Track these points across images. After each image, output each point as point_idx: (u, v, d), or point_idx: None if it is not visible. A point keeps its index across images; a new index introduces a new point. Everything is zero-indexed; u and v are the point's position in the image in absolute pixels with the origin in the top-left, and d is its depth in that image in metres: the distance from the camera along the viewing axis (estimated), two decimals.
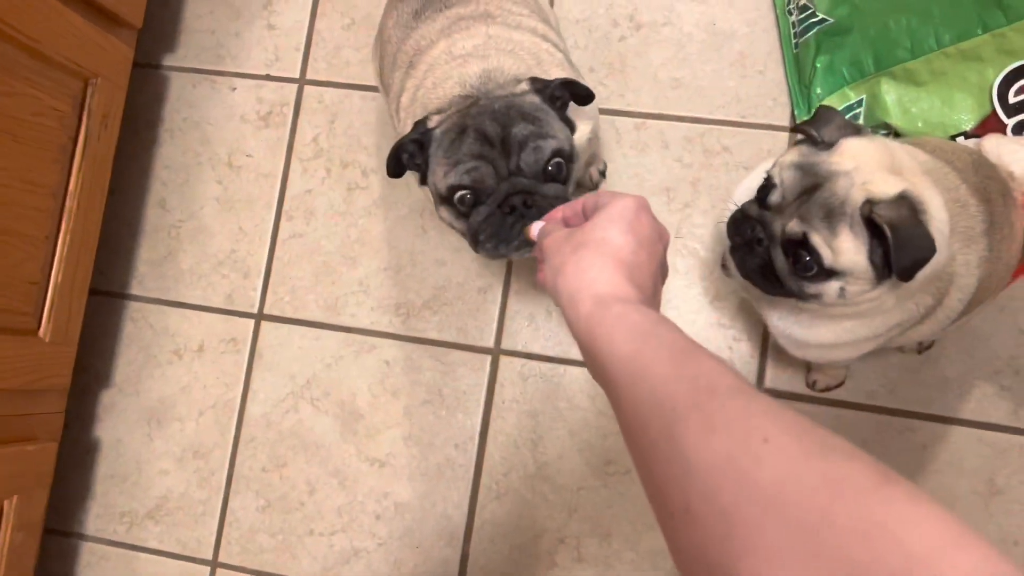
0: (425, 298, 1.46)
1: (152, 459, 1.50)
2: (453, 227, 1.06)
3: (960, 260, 0.96)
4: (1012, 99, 1.24)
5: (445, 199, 1.00)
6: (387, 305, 1.47)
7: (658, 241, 0.72)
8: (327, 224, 1.50)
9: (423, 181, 1.03)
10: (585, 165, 1.35)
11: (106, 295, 1.54)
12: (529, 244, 0.97)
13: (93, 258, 1.37)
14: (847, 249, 0.86)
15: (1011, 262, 1.05)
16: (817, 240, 0.87)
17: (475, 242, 1.02)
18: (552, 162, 0.97)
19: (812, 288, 0.92)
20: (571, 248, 0.69)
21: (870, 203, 0.85)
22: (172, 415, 1.50)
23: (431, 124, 0.99)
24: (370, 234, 1.48)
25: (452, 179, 0.96)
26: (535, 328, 1.42)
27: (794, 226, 0.89)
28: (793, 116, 1.39)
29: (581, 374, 1.40)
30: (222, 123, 1.56)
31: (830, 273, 0.89)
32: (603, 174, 1.40)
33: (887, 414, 1.32)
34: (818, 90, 1.36)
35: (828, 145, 0.90)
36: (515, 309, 1.43)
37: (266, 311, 1.50)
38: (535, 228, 0.81)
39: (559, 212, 0.81)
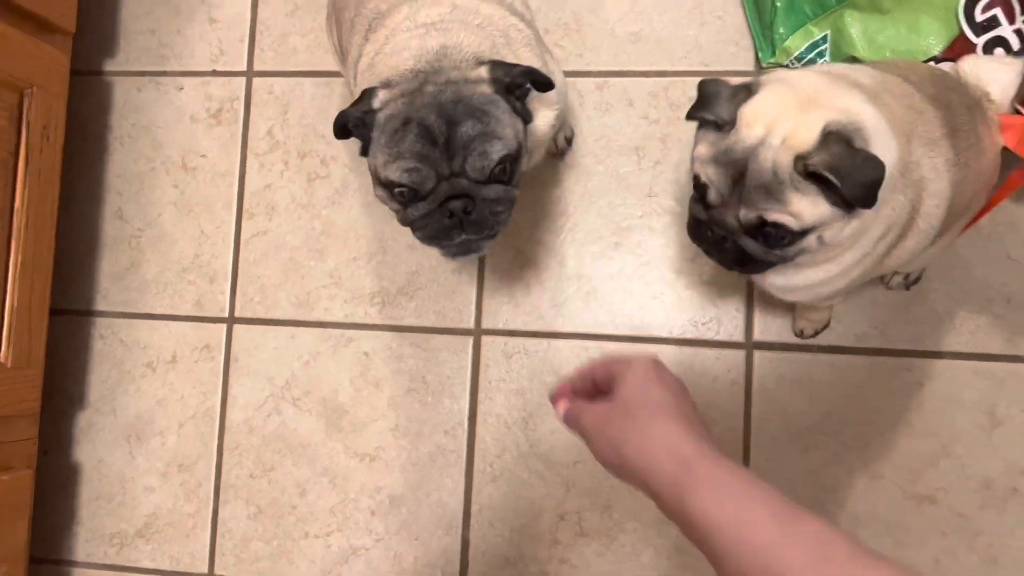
0: (399, 284, 1.41)
1: (136, 477, 1.46)
2: (385, 204, 1.01)
3: (927, 164, 0.93)
4: (979, 17, 1.20)
5: (383, 184, 0.96)
6: (361, 295, 1.42)
7: (686, 389, 0.73)
8: (290, 218, 1.45)
9: (364, 152, 0.98)
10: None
11: (71, 314, 1.49)
12: (468, 251, 0.98)
13: (50, 277, 1.32)
14: (805, 209, 0.84)
15: (983, 174, 1.02)
16: (774, 216, 0.85)
17: (407, 224, 0.98)
18: (500, 165, 0.93)
19: (793, 250, 0.89)
20: (621, 417, 0.69)
21: (800, 159, 0.82)
22: (152, 430, 1.46)
23: (376, 104, 0.94)
24: (336, 224, 1.44)
25: (391, 174, 0.92)
26: (515, 304, 1.38)
27: (746, 214, 0.87)
28: (757, 59, 1.35)
29: (565, 345, 1.36)
30: (172, 125, 1.50)
31: (803, 232, 0.86)
32: (569, 141, 1.36)
33: (880, 355, 1.28)
34: (780, 30, 1.32)
35: (730, 122, 0.86)
36: (493, 287, 1.39)
37: (237, 314, 1.45)
38: (560, 411, 0.77)
39: (567, 387, 0.78)
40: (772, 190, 0.84)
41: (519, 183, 1.00)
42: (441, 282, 1.40)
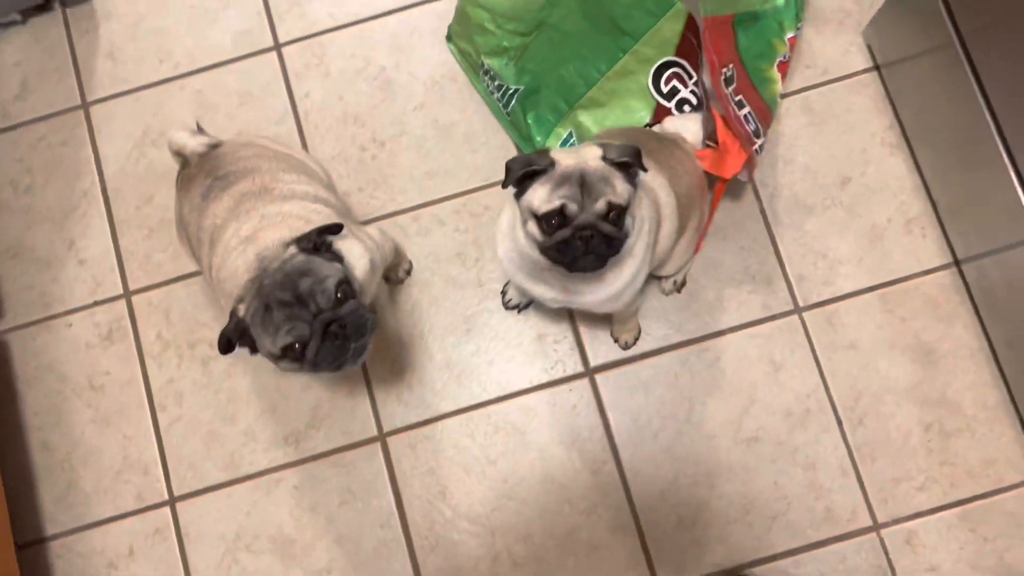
0: (305, 421, 1.68)
1: None
2: (292, 372, 1.30)
3: (657, 183, 1.35)
4: (664, 88, 1.65)
5: (280, 357, 1.25)
6: (276, 441, 1.68)
7: None
8: (198, 400, 1.70)
9: (254, 352, 1.27)
10: (393, 268, 1.64)
11: (25, 547, 1.65)
12: (357, 355, 1.25)
13: (7, 518, 1.49)
14: (620, 188, 1.19)
15: (692, 179, 1.45)
16: (611, 198, 1.17)
17: (314, 369, 1.26)
18: (339, 290, 1.25)
19: (626, 226, 1.22)
20: None
21: (604, 157, 1.20)
22: None
23: (241, 313, 1.24)
24: (237, 391, 1.70)
25: (280, 343, 1.22)
26: (404, 404, 1.68)
27: (598, 204, 1.17)
28: None
29: (454, 422, 1.67)
30: (71, 357, 1.73)
31: (625, 208, 1.20)
32: (408, 272, 1.70)
33: (683, 347, 1.68)
34: (538, 138, 1.73)
35: (552, 163, 1.20)
36: (382, 396, 1.69)
37: (176, 494, 1.67)
38: None
39: None
40: (606, 180, 1.17)
41: (374, 307, 1.32)
42: (340, 407, 1.69)
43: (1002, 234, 1.48)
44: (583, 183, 1.17)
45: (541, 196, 1.18)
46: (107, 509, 1.67)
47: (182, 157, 1.48)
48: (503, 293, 1.70)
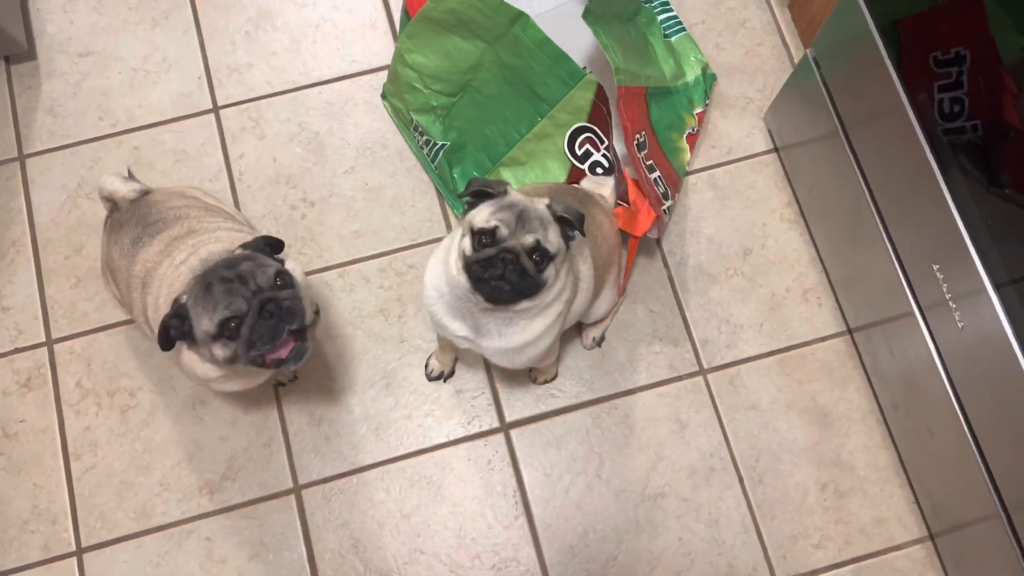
0: (221, 472, 1.69)
1: None
2: (225, 357, 1.30)
3: (581, 253, 1.44)
4: (579, 151, 1.76)
5: (216, 336, 1.28)
6: (191, 492, 1.68)
7: None
8: (113, 448, 1.70)
9: (192, 343, 1.30)
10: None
11: None
12: (299, 355, 1.30)
13: None
14: (553, 238, 1.27)
15: (607, 240, 1.54)
16: (543, 241, 1.25)
17: (248, 350, 1.29)
18: (278, 277, 1.31)
19: (545, 274, 1.28)
20: None
21: (549, 207, 1.29)
22: None
23: (184, 299, 1.28)
24: (154, 441, 1.71)
25: (217, 316, 1.26)
26: (321, 456, 1.71)
27: (529, 238, 1.24)
28: (448, 226, 1.85)
29: (370, 475, 1.69)
30: None
31: (551, 257, 1.27)
32: (317, 313, 1.75)
33: (594, 404, 1.75)
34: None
35: (503, 191, 1.30)
36: (299, 448, 1.71)
37: (84, 544, 1.65)
38: None
39: None
40: (543, 223, 1.25)
41: (317, 310, 1.38)
42: (256, 459, 1.70)
43: (883, 306, 1.60)
44: (521, 216, 1.26)
45: (483, 215, 1.27)
46: (11, 560, 1.64)
47: (112, 203, 1.53)
48: (426, 365, 1.75)
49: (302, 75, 1.95)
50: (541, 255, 1.26)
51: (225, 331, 1.26)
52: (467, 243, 1.28)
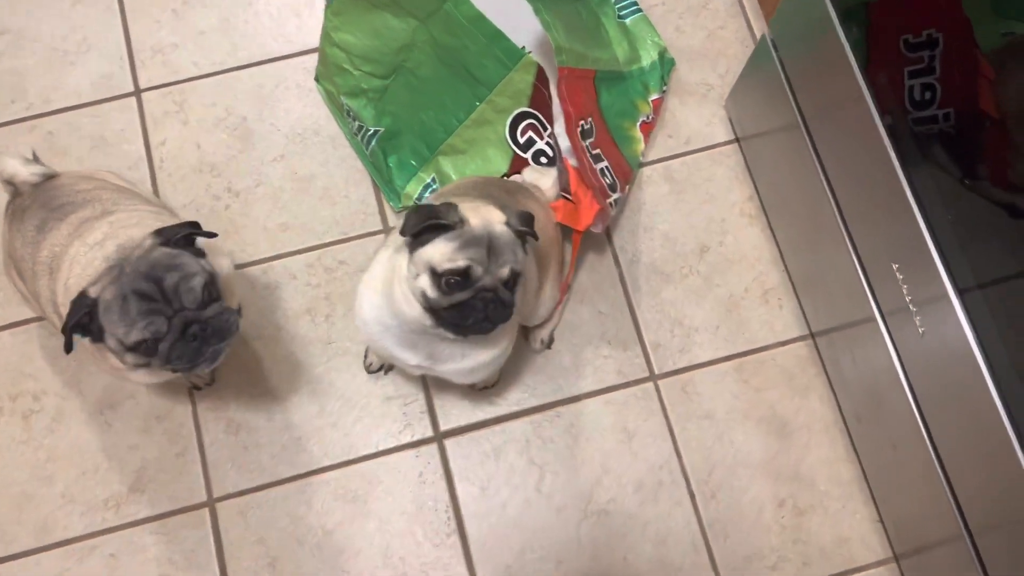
0: (129, 484, 1.56)
1: None
2: (137, 364, 1.20)
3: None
4: (520, 139, 1.64)
5: (130, 350, 1.16)
6: (96, 504, 1.55)
7: None
8: (13, 457, 1.57)
9: (97, 340, 1.18)
10: None
11: None
12: (213, 358, 1.19)
13: None
14: (520, 255, 1.17)
15: (545, 232, 1.41)
16: (516, 267, 1.16)
17: (164, 364, 1.19)
18: (206, 291, 1.19)
19: (518, 294, 1.19)
20: None
21: (507, 223, 1.17)
22: None
23: (92, 293, 1.15)
24: (58, 449, 1.57)
25: (134, 336, 1.14)
26: (238, 467, 1.58)
27: (504, 271, 1.15)
28: (384, 221, 1.72)
29: (291, 488, 1.57)
30: None
31: (519, 276, 1.18)
32: (239, 312, 1.62)
33: (536, 412, 1.62)
34: (399, 182, 1.69)
35: (461, 221, 1.15)
36: (214, 458, 1.58)
37: None
38: None
39: None
40: (511, 247, 1.15)
41: (240, 308, 1.27)
42: (167, 469, 1.57)
43: (844, 310, 1.48)
44: (491, 247, 1.14)
45: (444, 252, 1.13)
46: None
47: (12, 187, 1.40)
48: (365, 356, 1.62)
49: (231, 56, 1.82)
50: (515, 280, 1.17)
51: (140, 348, 1.16)
52: (426, 284, 1.15)
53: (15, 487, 1.56)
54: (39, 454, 1.58)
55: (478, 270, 1.14)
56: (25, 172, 1.39)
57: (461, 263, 1.13)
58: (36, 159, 1.47)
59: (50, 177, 1.40)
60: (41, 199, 1.35)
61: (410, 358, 1.31)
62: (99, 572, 1.51)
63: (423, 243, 1.15)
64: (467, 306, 1.15)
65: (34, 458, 1.57)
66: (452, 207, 1.16)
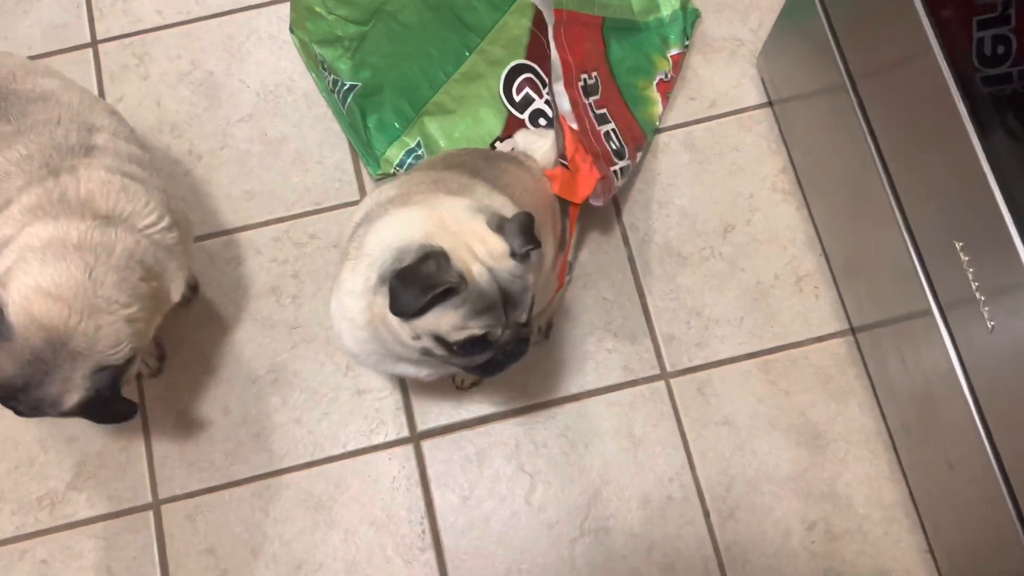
0: (66, 481, 1.39)
1: None
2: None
3: (497, 203, 1.12)
4: (516, 97, 1.44)
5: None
6: (28, 503, 1.38)
7: None
8: None
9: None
10: None
11: None
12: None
13: None
14: (531, 279, 1.00)
15: (537, 198, 1.23)
16: (528, 301, 1.01)
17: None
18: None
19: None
20: None
21: (513, 255, 0.97)
22: None
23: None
24: None
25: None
26: (188, 465, 1.39)
27: (523, 316, 1.01)
28: (361, 189, 1.52)
29: (246, 491, 1.38)
30: None
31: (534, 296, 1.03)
32: (195, 291, 1.44)
33: (528, 412, 1.41)
34: (378, 147, 1.49)
35: (461, 278, 0.94)
36: (162, 455, 1.40)
37: None
38: None
39: None
40: (523, 285, 0.98)
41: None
42: (109, 465, 1.39)
43: (893, 301, 1.25)
44: (506, 297, 0.96)
45: (453, 322, 0.95)
46: None
47: None
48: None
49: (199, 4, 1.63)
50: (532, 306, 1.03)
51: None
52: (431, 345, 0.98)
53: None
54: None
55: (497, 332, 0.98)
56: None
57: (477, 332, 0.96)
58: None
59: None
60: None
61: (406, 370, 1.13)
62: None
63: (423, 311, 0.94)
64: (490, 363, 1.03)
65: None
66: (442, 257, 0.93)
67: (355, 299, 1.04)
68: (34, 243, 1.04)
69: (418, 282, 0.92)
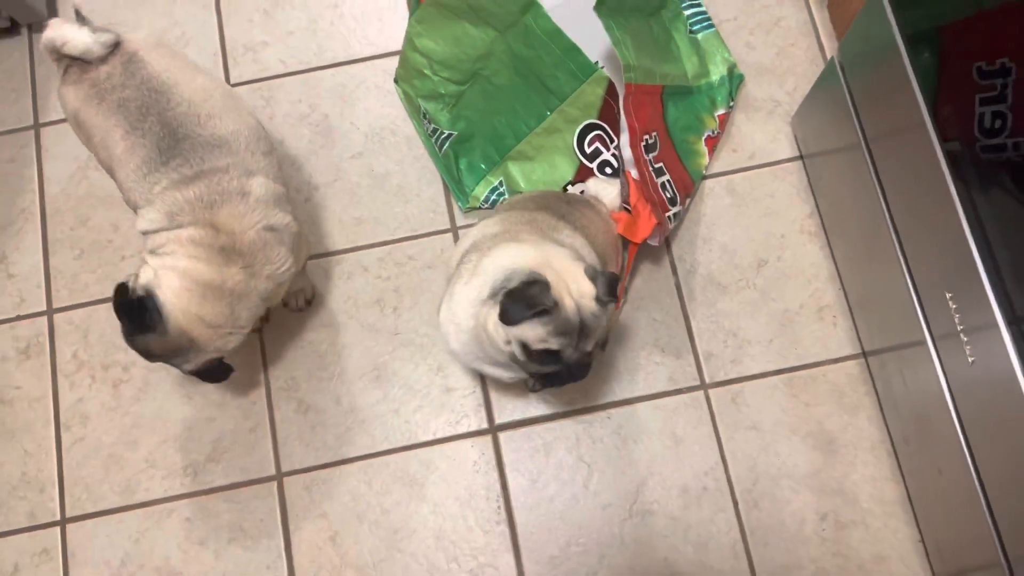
0: (206, 453, 1.68)
1: None
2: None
3: (578, 243, 1.40)
4: (588, 149, 1.70)
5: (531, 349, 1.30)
6: (175, 471, 1.68)
7: None
8: (103, 422, 1.71)
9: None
10: (293, 293, 1.68)
11: None
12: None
13: None
14: (605, 321, 1.27)
15: (606, 235, 1.51)
16: (600, 335, 1.28)
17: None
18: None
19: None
20: None
21: (598, 299, 1.23)
22: None
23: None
24: (143, 417, 1.71)
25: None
26: (305, 444, 1.68)
27: (592, 345, 1.26)
28: (452, 222, 1.80)
29: (353, 468, 1.67)
30: None
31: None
32: (309, 302, 1.72)
33: (587, 412, 1.68)
34: (468, 183, 1.78)
35: (555, 304, 1.20)
36: (284, 436, 1.69)
37: (68, 514, 1.66)
38: None
39: None
40: (599, 322, 1.24)
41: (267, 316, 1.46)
42: (241, 443, 1.69)
43: (897, 331, 1.50)
44: (583, 329, 1.23)
45: (538, 334, 1.22)
46: None
47: (68, 59, 1.37)
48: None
49: (316, 56, 1.92)
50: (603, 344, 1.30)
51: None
52: (516, 350, 1.25)
53: (104, 450, 1.69)
54: (126, 420, 1.71)
55: (568, 351, 1.24)
56: (81, 41, 1.34)
57: (553, 346, 1.22)
58: (83, 18, 1.38)
59: (116, 44, 1.38)
60: (143, 90, 1.36)
61: (503, 374, 1.41)
62: (176, 533, 1.64)
63: (518, 320, 1.21)
64: (556, 375, 1.28)
65: (121, 423, 1.71)
66: (544, 285, 1.20)
67: (465, 308, 1.32)
68: (199, 278, 1.32)
69: (524, 299, 1.19)
